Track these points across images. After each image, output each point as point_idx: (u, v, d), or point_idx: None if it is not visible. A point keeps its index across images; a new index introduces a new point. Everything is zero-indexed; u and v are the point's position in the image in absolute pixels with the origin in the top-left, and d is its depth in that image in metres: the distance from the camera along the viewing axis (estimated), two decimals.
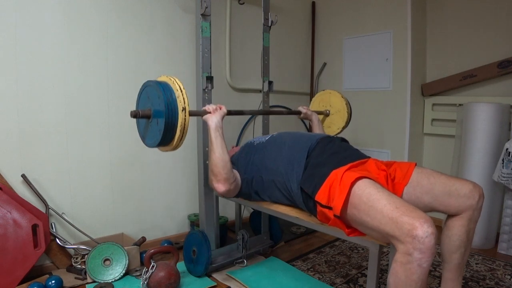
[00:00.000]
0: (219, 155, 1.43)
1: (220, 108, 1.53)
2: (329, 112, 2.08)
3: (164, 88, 1.26)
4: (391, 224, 1.00)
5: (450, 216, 1.29)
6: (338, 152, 1.38)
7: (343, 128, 2.07)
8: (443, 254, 1.31)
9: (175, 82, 1.30)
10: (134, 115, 1.29)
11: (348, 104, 2.03)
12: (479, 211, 1.25)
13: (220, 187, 1.45)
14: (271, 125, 2.21)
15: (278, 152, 1.47)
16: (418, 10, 2.56)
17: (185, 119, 1.27)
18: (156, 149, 2.18)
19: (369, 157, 1.42)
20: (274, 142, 1.54)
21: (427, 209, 1.27)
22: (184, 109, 1.26)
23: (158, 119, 1.27)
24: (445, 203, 1.25)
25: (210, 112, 1.51)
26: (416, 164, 1.36)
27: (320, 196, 1.22)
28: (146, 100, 1.33)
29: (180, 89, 1.28)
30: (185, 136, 1.31)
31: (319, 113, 2.07)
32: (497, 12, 2.31)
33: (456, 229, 1.26)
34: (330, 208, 1.18)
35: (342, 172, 1.20)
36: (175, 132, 1.27)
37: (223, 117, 1.52)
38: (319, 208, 1.25)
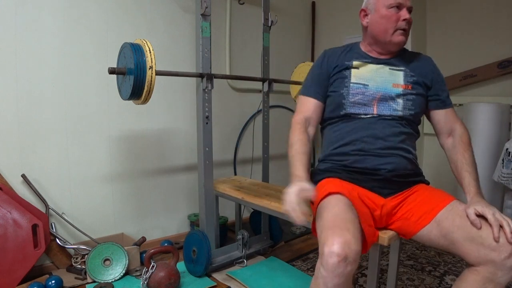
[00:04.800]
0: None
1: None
2: None
3: (136, 49, 1.41)
4: (320, 234, 1.00)
5: (469, 265, 1.03)
6: None
7: None
8: None
9: (146, 44, 1.43)
10: (111, 71, 1.45)
11: None
12: (506, 273, 0.94)
13: None
14: (271, 125, 2.21)
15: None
16: (418, 10, 2.56)
17: (151, 76, 1.41)
18: (156, 151, 2.21)
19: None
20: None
21: (444, 250, 1.16)
22: (151, 67, 1.40)
23: (130, 76, 1.42)
24: (463, 250, 1.02)
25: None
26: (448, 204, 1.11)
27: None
28: (123, 59, 1.50)
29: (150, 50, 1.41)
30: (152, 92, 1.45)
31: None
32: (497, 12, 2.31)
33: (467, 284, 1.00)
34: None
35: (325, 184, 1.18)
36: (143, 88, 1.42)
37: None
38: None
